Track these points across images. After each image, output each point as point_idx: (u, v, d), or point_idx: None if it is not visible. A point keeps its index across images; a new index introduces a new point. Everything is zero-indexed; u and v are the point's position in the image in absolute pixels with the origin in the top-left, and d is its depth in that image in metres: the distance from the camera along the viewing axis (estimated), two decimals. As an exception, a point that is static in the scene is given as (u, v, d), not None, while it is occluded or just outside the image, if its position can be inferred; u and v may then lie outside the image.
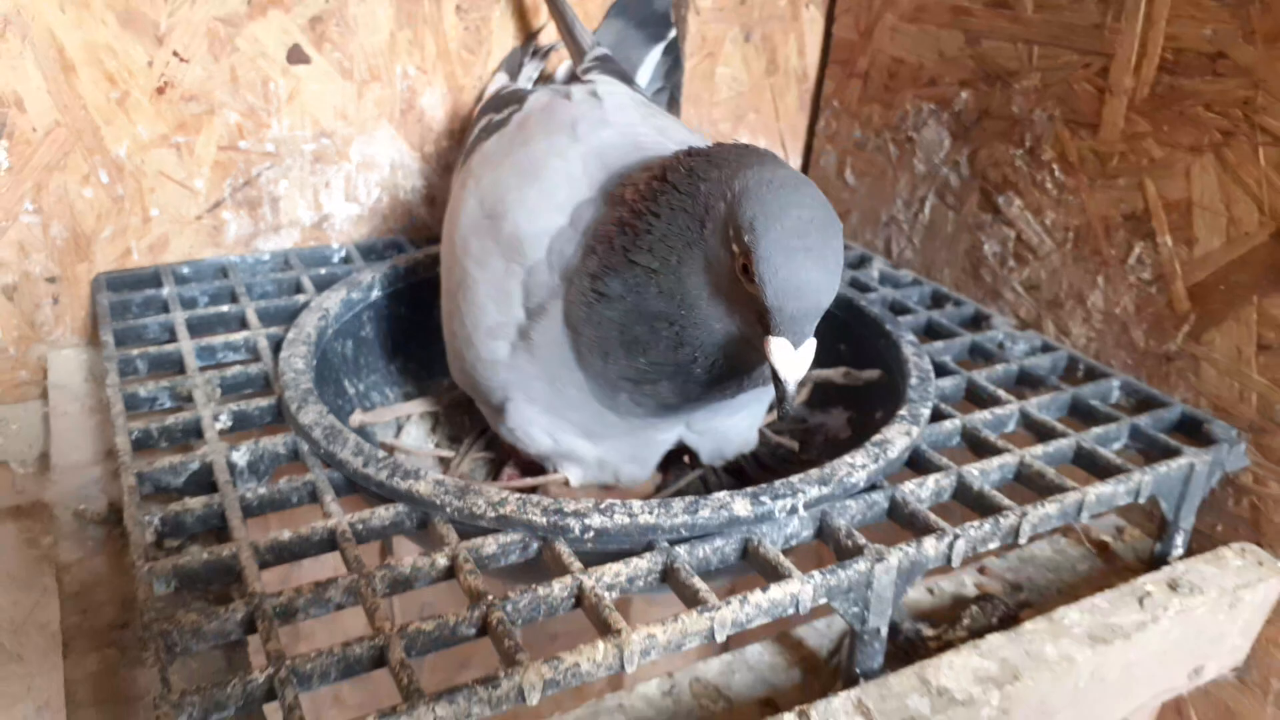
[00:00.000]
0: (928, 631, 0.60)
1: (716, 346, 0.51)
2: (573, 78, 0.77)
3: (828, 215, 0.48)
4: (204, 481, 0.57)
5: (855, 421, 0.73)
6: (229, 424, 0.61)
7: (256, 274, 0.81)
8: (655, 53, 0.84)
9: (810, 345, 0.48)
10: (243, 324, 0.73)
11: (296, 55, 0.79)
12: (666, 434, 0.60)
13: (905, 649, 0.59)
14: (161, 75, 0.75)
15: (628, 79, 0.74)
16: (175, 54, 0.75)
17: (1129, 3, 0.66)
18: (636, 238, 0.50)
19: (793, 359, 0.47)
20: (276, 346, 0.68)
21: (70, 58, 0.72)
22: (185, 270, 0.80)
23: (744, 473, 0.70)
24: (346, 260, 0.85)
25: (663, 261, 0.50)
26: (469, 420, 0.74)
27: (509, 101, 0.71)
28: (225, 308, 0.74)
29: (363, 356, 0.74)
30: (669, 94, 0.87)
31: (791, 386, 0.47)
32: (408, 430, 0.73)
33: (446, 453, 0.71)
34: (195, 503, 0.54)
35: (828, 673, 0.58)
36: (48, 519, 0.77)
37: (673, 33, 0.85)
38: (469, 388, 0.63)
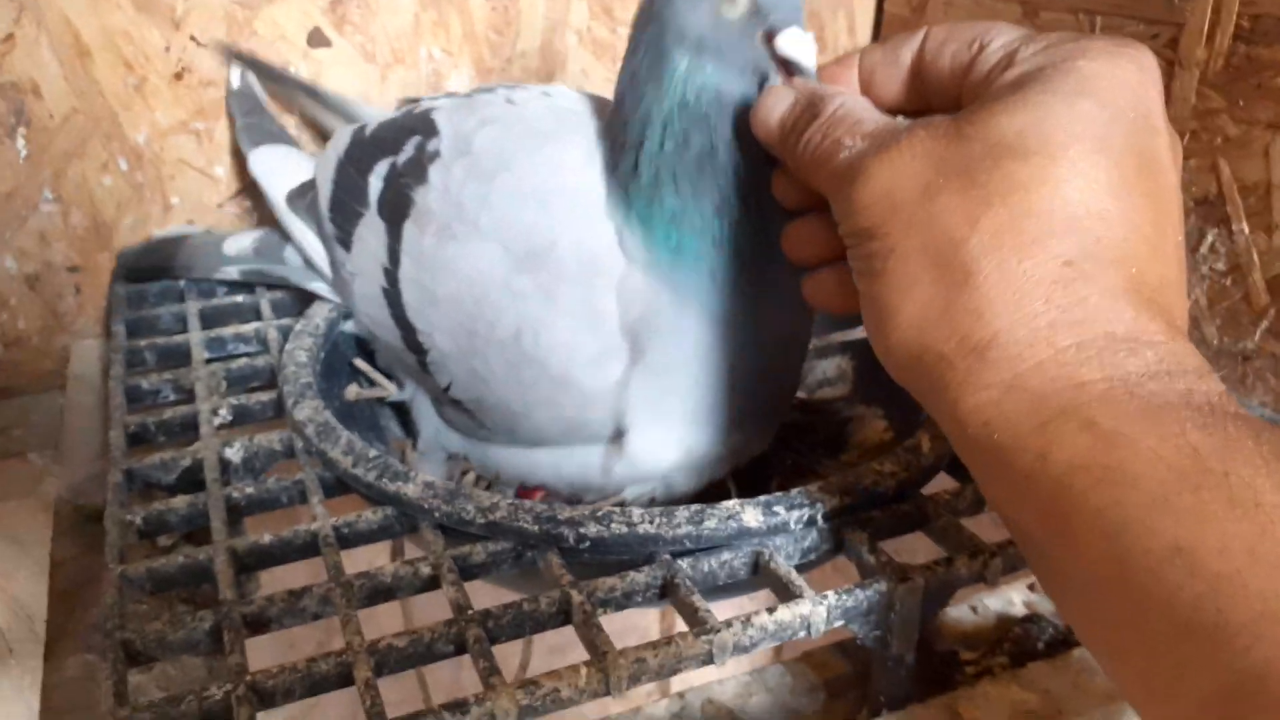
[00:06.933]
0: (966, 655, 0.55)
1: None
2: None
3: None
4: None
5: (895, 426, 0.68)
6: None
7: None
8: None
9: (810, 35, 0.49)
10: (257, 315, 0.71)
11: (317, 39, 0.77)
12: None
13: (940, 675, 0.54)
14: (179, 60, 0.73)
15: None
16: (193, 38, 0.73)
17: (1202, -33, 0.60)
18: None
19: (804, 39, 0.48)
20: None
21: (86, 43, 0.70)
22: (207, 260, 0.78)
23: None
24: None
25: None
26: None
27: (400, 133, 0.60)
28: (240, 298, 0.72)
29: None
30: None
31: (813, 68, 0.49)
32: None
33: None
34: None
35: (853, 698, 0.53)
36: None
37: None
38: (557, 438, 0.58)
